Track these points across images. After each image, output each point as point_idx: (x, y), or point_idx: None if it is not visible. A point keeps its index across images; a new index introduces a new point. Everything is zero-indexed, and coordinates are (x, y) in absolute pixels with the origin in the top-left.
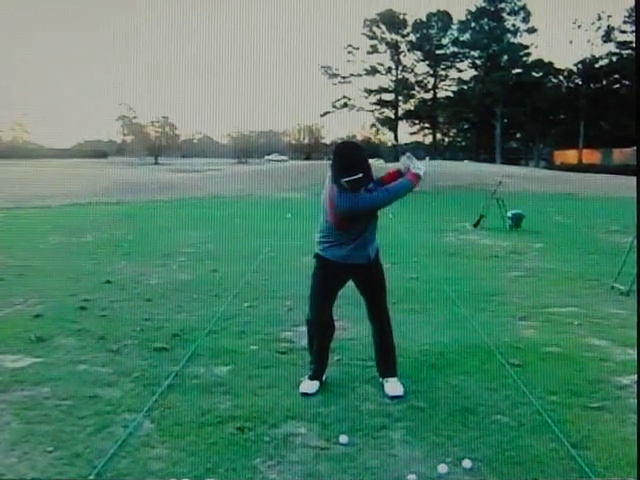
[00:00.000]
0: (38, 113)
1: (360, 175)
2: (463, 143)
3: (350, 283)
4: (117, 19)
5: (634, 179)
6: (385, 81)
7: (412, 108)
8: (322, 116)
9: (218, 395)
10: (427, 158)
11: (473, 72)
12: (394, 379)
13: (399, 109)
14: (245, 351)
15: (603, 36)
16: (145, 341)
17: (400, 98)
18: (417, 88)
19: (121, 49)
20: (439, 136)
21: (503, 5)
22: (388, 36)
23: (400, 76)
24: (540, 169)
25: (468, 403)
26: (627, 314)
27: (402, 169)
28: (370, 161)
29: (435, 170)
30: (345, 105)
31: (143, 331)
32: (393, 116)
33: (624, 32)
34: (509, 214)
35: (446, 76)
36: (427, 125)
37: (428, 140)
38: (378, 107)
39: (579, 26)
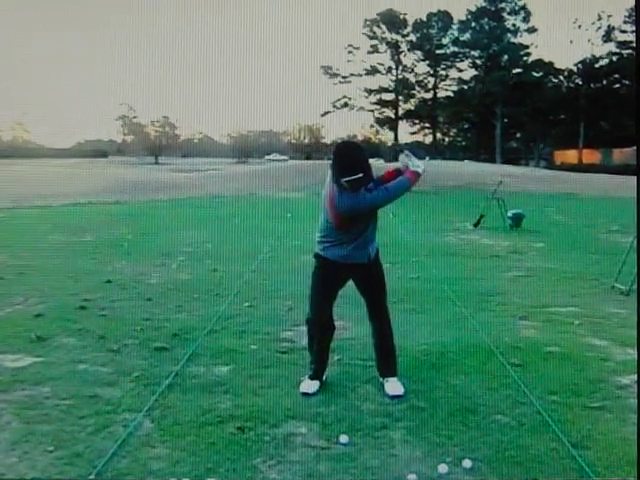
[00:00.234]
0: (38, 112)
1: (360, 175)
2: (463, 143)
3: (350, 283)
4: (117, 19)
5: (634, 179)
6: (385, 81)
7: (412, 108)
8: (322, 116)
9: (218, 395)
10: (427, 158)
11: (473, 72)
12: (394, 379)
13: (399, 109)
14: (245, 351)
15: (603, 36)
16: (145, 341)
17: (400, 98)
18: (417, 88)
19: (121, 49)
20: (439, 136)
21: (503, 5)
22: (388, 36)
23: (400, 76)
24: (540, 169)
25: (468, 403)
26: (627, 314)
27: (401, 167)
28: (370, 161)
29: (435, 170)
30: (345, 105)
31: (143, 331)
32: (393, 116)
33: (624, 32)
34: (509, 214)
35: (446, 76)
36: (427, 125)
37: (428, 140)
38: (378, 107)
39: (579, 26)
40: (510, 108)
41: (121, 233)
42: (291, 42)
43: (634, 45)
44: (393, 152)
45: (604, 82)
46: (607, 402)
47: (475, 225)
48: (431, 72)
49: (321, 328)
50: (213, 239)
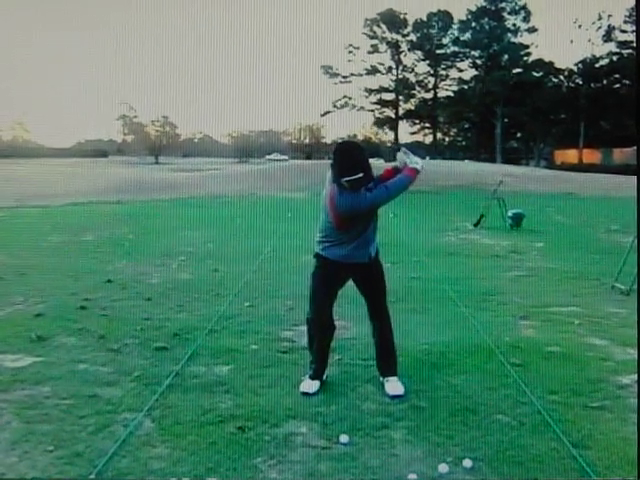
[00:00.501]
0: (38, 112)
1: (360, 175)
2: (463, 143)
3: (350, 283)
4: (117, 19)
5: (634, 179)
6: (386, 81)
7: (412, 108)
8: (323, 115)
9: (219, 394)
10: (427, 157)
11: (473, 72)
12: (395, 378)
13: (399, 109)
14: (246, 350)
15: (603, 36)
16: (146, 340)
17: (400, 98)
18: (417, 88)
19: (121, 49)
20: (439, 136)
21: (504, 4)
22: (389, 36)
23: (401, 76)
24: (540, 169)
25: (469, 402)
26: (627, 313)
27: (399, 165)
28: (370, 160)
29: (436, 170)
30: (346, 105)
31: (144, 330)
32: (394, 116)
33: (624, 32)
34: (509, 213)
35: (446, 76)
36: (427, 125)
37: (428, 140)
38: (379, 107)
39: (579, 26)
40: (510, 108)
41: (122, 233)
42: (291, 42)
43: (634, 45)
44: (393, 152)
45: (604, 82)
46: (607, 402)
47: (475, 225)
48: (431, 72)
49: (321, 328)
50: (214, 239)
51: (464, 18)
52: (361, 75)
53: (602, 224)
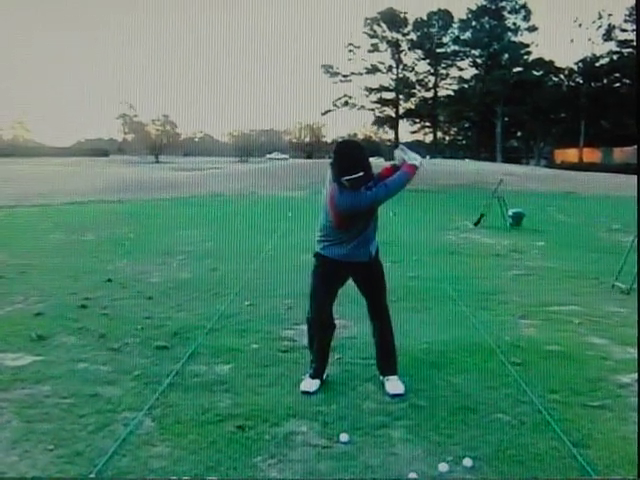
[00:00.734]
0: (39, 112)
1: (361, 174)
2: (464, 142)
3: (350, 281)
4: (117, 19)
5: (635, 178)
6: (386, 80)
7: (413, 107)
8: (323, 114)
9: (219, 393)
10: (428, 157)
11: (474, 71)
12: (395, 377)
13: (400, 108)
14: (246, 349)
15: (604, 35)
16: (146, 339)
17: (401, 97)
18: (418, 87)
19: (121, 48)
20: (440, 135)
21: (504, 3)
22: (389, 35)
23: (401, 75)
24: (541, 168)
25: (469, 402)
26: (628, 313)
27: (397, 162)
28: (370, 160)
29: (436, 169)
30: (346, 104)
31: (144, 329)
32: (394, 115)
33: (625, 31)
34: (510, 213)
35: (447, 75)
36: (428, 124)
37: (429, 139)
38: (379, 106)
39: (580, 25)
40: (511, 107)
41: (122, 232)
42: (292, 41)
43: (634, 44)
44: (389, 150)
45: (604, 81)
46: (607, 401)
47: (476, 224)
48: (431, 71)
49: (321, 327)
50: (214, 238)
51: (464, 17)
52: (361, 74)
53: (602, 223)
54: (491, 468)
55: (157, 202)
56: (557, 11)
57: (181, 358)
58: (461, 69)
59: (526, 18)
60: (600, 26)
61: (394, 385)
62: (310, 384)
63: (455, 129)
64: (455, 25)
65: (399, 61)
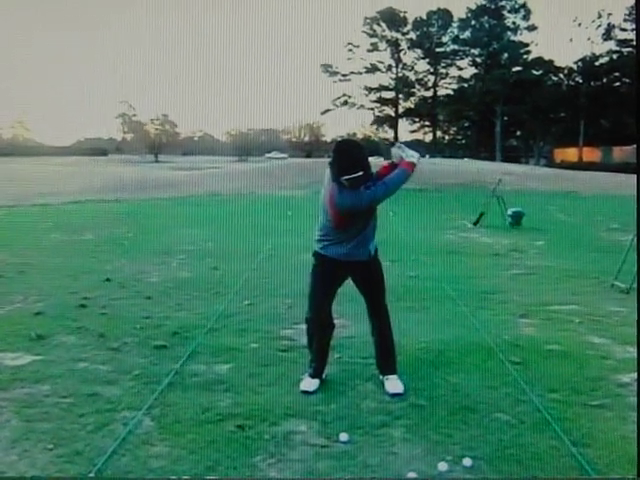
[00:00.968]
0: (38, 111)
1: (360, 173)
2: (463, 141)
3: (349, 281)
4: (117, 19)
5: (634, 177)
6: (385, 79)
7: (412, 106)
8: (322, 114)
9: (218, 393)
10: (427, 156)
11: (473, 70)
12: (394, 377)
13: (399, 107)
14: (245, 349)
15: (603, 34)
16: (145, 339)
17: (400, 96)
18: (417, 86)
19: (121, 48)
20: (439, 134)
21: (503, 3)
22: (388, 34)
23: (400, 74)
24: (540, 167)
25: (468, 401)
26: (627, 312)
27: (395, 160)
28: (370, 159)
29: (435, 168)
30: (345, 103)
31: (143, 329)
32: (393, 114)
33: (624, 30)
34: (509, 212)
35: (446, 74)
36: (427, 123)
37: (428, 138)
38: (378, 105)
39: (579, 24)
40: (510, 106)
41: (121, 231)
42: (291, 40)
43: (634, 43)
44: (387, 149)
45: (604, 80)
46: (607, 400)
47: (475, 223)
48: (431, 70)
49: (321, 326)
50: (213, 237)
51: (464, 16)
52: (361, 73)
53: (602, 222)
54: (491, 467)
55: (156, 201)
56: (557, 10)
57: (180, 357)
58: (460, 68)
59: (526, 17)
60: (600, 25)
61: (393, 384)
62: (309, 383)
63: (454, 128)
64: (455, 24)
65: (398, 60)
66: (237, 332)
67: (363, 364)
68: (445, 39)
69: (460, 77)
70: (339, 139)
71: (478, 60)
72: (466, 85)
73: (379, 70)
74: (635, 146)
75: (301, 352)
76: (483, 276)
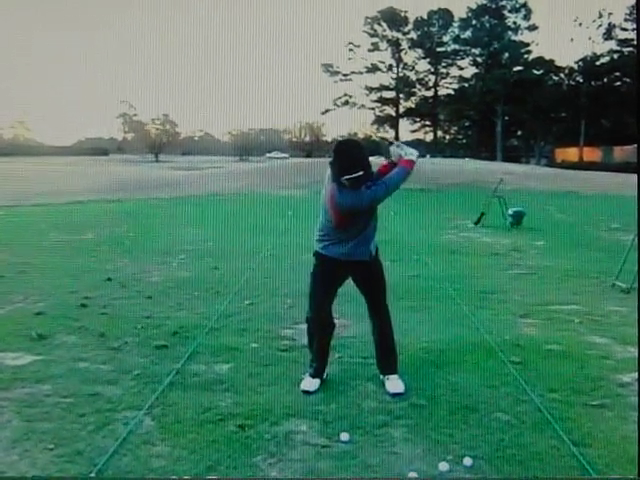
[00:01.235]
0: (39, 111)
1: (360, 173)
2: (464, 141)
3: (350, 280)
4: (117, 19)
5: (635, 177)
6: (386, 79)
7: (413, 106)
8: (323, 114)
9: (219, 393)
10: (428, 155)
11: (474, 70)
12: (395, 376)
13: (400, 107)
14: (246, 349)
15: (604, 34)
16: (146, 339)
17: (401, 96)
18: (418, 86)
19: (121, 48)
20: (440, 134)
21: (504, 3)
22: (389, 34)
23: (401, 74)
24: (541, 167)
25: (469, 401)
26: (628, 312)
27: (394, 159)
28: (371, 158)
29: (436, 168)
30: (346, 103)
31: (144, 329)
32: (394, 114)
33: (625, 30)
34: (510, 212)
35: (447, 74)
36: (428, 123)
37: (429, 138)
38: (379, 105)
39: (580, 24)
40: (511, 106)
41: (122, 231)
42: (292, 40)
43: (635, 43)
44: (385, 147)
45: (605, 80)
46: (608, 400)
47: (476, 223)
48: (432, 70)
49: (321, 326)
50: (214, 237)
51: (464, 16)
52: (361, 73)
53: (602, 222)
54: (491, 467)
55: (156, 201)
56: (557, 10)
57: (181, 357)
58: (461, 68)
59: (526, 17)
60: (600, 25)
61: (394, 384)
62: (310, 383)
63: (455, 128)
64: (455, 24)
65: (399, 60)
66: (237, 332)
67: (364, 364)
68: (446, 39)
69: (461, 77)
70: (340, 139)
71: (479, 60)
72: (467, 85)
73: (380, 70)
74: (636, 146)
75: (301, 352)
76: (484, 276)
